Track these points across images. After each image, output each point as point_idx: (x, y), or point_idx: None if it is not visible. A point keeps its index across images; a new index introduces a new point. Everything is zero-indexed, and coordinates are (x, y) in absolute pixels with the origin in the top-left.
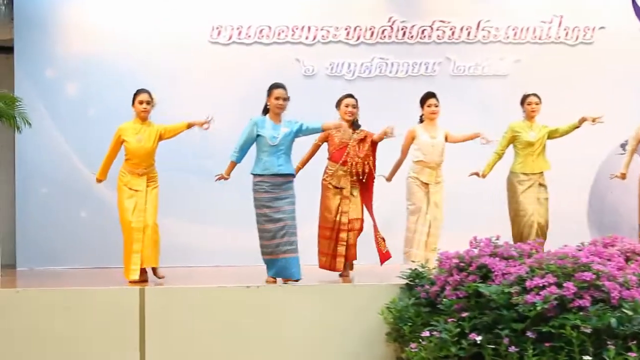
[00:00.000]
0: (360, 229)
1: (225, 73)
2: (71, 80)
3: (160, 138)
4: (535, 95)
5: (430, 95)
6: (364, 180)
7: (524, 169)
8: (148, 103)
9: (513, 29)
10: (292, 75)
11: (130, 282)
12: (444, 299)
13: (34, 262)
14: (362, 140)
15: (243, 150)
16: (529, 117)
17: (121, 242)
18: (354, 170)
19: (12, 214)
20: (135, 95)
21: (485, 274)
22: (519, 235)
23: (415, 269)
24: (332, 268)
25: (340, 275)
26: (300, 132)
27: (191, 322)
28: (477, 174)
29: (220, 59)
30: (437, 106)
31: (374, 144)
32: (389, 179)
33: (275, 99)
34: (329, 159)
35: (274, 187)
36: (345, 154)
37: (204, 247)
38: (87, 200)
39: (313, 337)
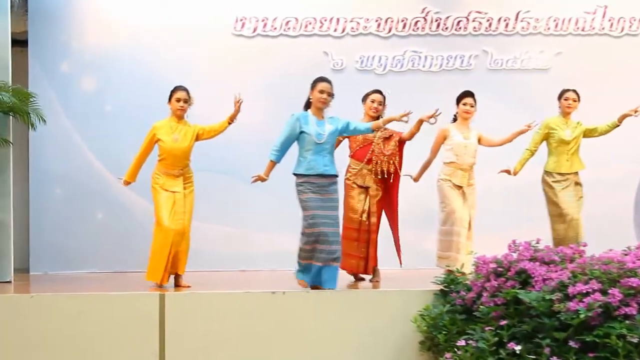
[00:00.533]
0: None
1: (249, 67)
2: (87, 75)
3: (198, 138)
4: (574, 91)
5: (467, 94)
6: (391, 181)
7: (558, 169)
8: (185, 101)
9: (554, 20)
10: (320, 69)
11: (159, 286)
12: (481, 306)
13: (48, 266)
14: (387, 139)
15: (284, 149)
16: (565, 113)
17: (140, 244)
18: (378, 169)
19: (26, 216)
20: (173, 92)
21: (525, 280)
22: (564, 237)
23: (450, 274)
24: (365, 271)
25: (371, 280)
26: (345, 131)
27: (213, 329)
28: (507, 171)
29: (244, 52)
30: (472, 106)
31: (401, 143)
32: (416, 179)
33: (320, 92)
34: (351, 156)
35: (319, 188)
36: (370, 151)
37: (227, 251)
38: (104, 201)
39: (342, 346)
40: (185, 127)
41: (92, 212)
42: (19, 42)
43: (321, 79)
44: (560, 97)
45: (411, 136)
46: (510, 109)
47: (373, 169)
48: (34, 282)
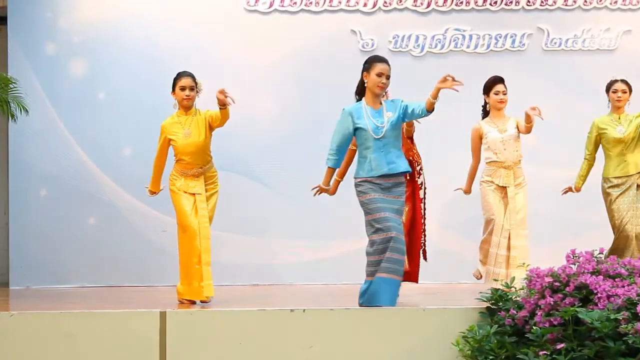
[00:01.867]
0: (412, 242)
1: (264, 48)
2: (77, 58)
3: (211, 128)
4: (622, 81)
5: (498, 80)
6: (416, 179)
7: (615, 172)
8: (192, 89)
9: None
10: (347, 50)
11: (202, 301)
12: (534, 327)
13: (31, 280)
14: None
15: (340, 150)
16: (615, 108)
17: (138, 254)
18: None
19: (5, 221)
20: (176, 80)
21: (586, 296)
22: (615, 250)
23: (498, 289)
24: None
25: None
26: (406, 115)
27: (222, 353)
28: (570, 189)
29: (259, 31)
30: (505, 94)
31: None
32: (467, 191)
33: (377, 75)
34: None
35: (383, 190)
36: None
37: (237, 262)
38: (96, 205)
39: None
40: (195, 118)
41: (83, 217)
42: None
43: (378, 59)
44: (607, 89)
45: (409, 132)
46: (570, 96)
47: None
48: (14, 298)
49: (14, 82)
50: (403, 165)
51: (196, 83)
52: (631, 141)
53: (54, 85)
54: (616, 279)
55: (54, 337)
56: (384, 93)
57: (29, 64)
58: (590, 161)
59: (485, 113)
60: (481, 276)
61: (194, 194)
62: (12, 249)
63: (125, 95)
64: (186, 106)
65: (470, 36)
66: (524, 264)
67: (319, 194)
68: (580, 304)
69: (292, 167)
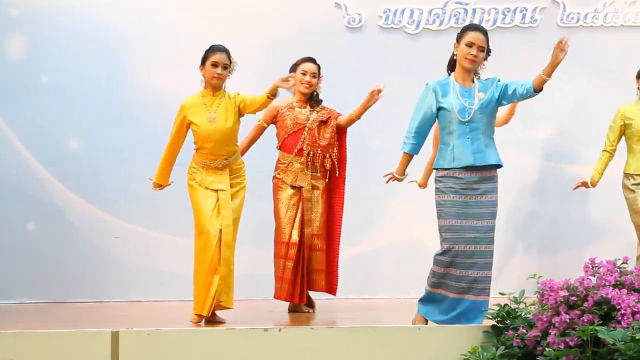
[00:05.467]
0: (328, 250)
1: (240, 26)
2: (14, 34)
3: (240, 113)
4: None
5: None
6: (326, 180)
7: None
8: (225, 67)
9: None
10: (331, 26)
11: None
12: (547, 349)
13: None
14: (324, 123)
15: (420, 134)
16: None
17: (86, 265)
18: (309, 164)
19: None
20: (207, 54)
21: (607, 313)
22: None
23: (506, 305)
24: (300, 299)
25: (299, 310)
26: (505, 97)
27: None
28: (584, 184)
29: (234, 6)
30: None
31: (342, 129)
32: (422, 185)
33: (467, 45)
34: (280, 147)
35: (464, 187)
36: (301, 140)
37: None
38: (37, 207)
39: None
40: (224, 101)
41: (21, 221)
42: None
43: (472, 27)
44: (638, 76)
45: (350, 122)
46: (590, 80)
47: (305, 162)
48: None
49: None
50: (493, 157)
51: (230, 61)
52: None
53: None
54: None
55: None
56: (477, 71)
57: None
58: (611, 153)
59: None
60: None
61: (216, 191)
62: None
63: (72, 79)
64: (215, 85)
65: (474, 10)
66: (534, 275)
67: (392, 181)
68: (601, 322)
69: (257, 157)
